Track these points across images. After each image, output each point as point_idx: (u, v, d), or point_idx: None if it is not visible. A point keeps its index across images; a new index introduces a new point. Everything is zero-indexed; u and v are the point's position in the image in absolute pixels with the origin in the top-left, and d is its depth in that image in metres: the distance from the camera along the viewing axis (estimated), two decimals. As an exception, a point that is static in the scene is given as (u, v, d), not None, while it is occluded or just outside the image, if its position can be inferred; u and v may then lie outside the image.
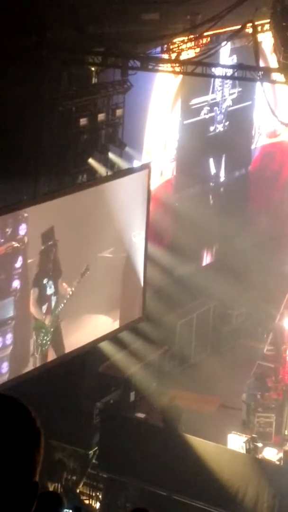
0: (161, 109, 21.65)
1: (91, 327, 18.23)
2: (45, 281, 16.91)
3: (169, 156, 22.53)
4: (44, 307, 17.02)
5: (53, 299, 17.19)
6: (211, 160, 24.75)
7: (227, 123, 24.77)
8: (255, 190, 26.81)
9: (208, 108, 23.93)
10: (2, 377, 16.25)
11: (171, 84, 21.56)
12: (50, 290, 17.05)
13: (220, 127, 24.65)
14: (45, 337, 17.00)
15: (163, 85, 21.24)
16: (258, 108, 25.59)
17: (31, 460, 2.09)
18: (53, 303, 17.18)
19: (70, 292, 17.35)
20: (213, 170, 24.97)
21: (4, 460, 2.04)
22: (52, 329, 17.16)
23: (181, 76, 20.48)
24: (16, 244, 16.04)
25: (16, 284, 16.27)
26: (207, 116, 23.97)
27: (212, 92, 24.07)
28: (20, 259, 16.24)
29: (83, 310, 17.97)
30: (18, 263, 16.22)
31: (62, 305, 17.30)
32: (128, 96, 19.09)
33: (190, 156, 23.21)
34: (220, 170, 25.26)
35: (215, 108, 24.28)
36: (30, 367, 16.81)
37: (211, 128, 24.29)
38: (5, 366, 16.33)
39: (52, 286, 17.04)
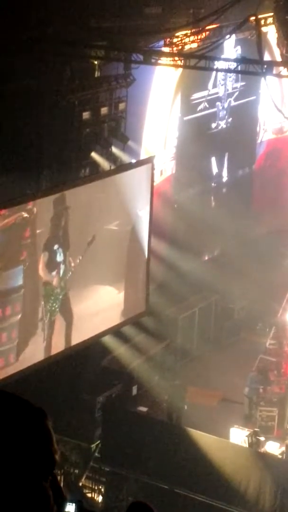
0: (161, 104, 21.06)
1: (98, 297, 18.20)
2: (55, 247, 17.06)
3: (169, 155, 21.78)
4: (54, 273, 17.14)
5: (62, 267, 17.30)
6: (213, 159, 23.90)
7: (230, 120, 23.86)
8: (259, 190, 26.00)
9: (210, 103, 22.98)
10: (12, 343, 16.39)
11: (171, 78, 20.98)
12: (59, 258, 17.21)
13: (222, 124, 23.73)
14: (54, 304, 17.16)
15: (162, 79, 20.65)
16: (263, 103, 24.67)
17: (43, 463, 2.10)
18: (61, 271, 17.30)
19: (78, 261, 17.40)
20: (215, 170, 24.12)
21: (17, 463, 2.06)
22: (60, 296, 17.29)
23: (181, 69, 20.30)
24: (25, 215, 16.10)
25: (25, 253, 16.39)
26: (208, 112, 23.05)
27: (214, 86, 23.16)
28: (29, 229, 16.35)
29: (89, 280, 17.93)
30: (27, 233, 16.34)
31: (70, 273, 17.37)
32: (129, 90, 19.04)
33: (190, 155, 22.28)
34: (222, 170, 24.40)
35: (217, 103, 23.37)
36: (39, 334, 16.95)
37: (213, 125, 23.40)
38: (15, 333, 16.50)
39: (62, 254, 17.24)
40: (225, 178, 24.57)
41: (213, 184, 24.24)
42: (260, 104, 24.91)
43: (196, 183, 22.98)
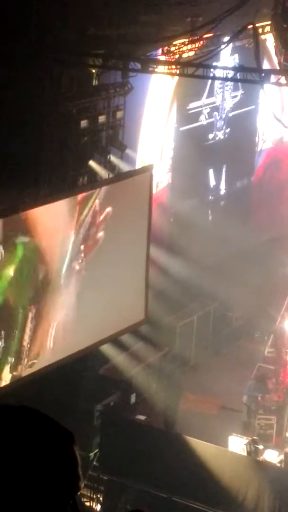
0: (156, 114, 20.60)
1: (96, 305, 18.04)
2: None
3: (165, 167, 21.23)
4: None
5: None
6: (210, 171, 23.32)
7: (228, 130, 23.28)
8: (259, 202, 25.39)
9: (207, 113, 22.46)
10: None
11: (167, 87, 20.58)
12: None
13: (220, 135, 23.15)
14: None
15: (158, 88, 20.28)
16: (262, 112, 24.09)
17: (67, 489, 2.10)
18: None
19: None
20: (212, 182, 23.52)
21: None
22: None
23: (177, 78, 20.19)
24: None
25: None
26: (205, 122, 22.52)
27: (211, 96, 22.61)
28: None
29: (87, 288, 17.77)
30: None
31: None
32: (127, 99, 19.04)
33: (187, 167, 21.69)
34: (220, 182, 23.77)
35: (215, 113, 22.80)
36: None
37: (210, 136, 22.86)
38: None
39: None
40: (223, 190, 23.97)
41: (210, 197, 23.67)
42: (259, 114, 24.36)
43: (193, 196, 22.49)
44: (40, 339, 17.02)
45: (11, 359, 16.32)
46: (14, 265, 15.86)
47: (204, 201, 23.29)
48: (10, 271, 15.82)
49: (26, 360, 16.76)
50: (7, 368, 16.32)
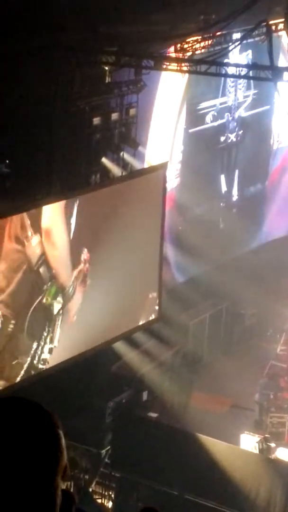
0: (166, 113, 19.96)
1: (109, 303, 17.93)
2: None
3: (173, 171, 20.37)
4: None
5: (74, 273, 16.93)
6: (221, 176, 22.32)
7: (240, 132, 22.25)
8: (274, 208, 24.39)
9: (219, 114, 21.38)
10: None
11: (177, 85, 19.90)
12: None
13: (232, 137, 22.12)
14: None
15: (168, 86, 19.69)
16: (277, 113, 22.93)
17: (50, 467, 2.10)
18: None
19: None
20: (224, 188, 22.50)
21: (24, 466, 2.06)
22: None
23: (187, 77, 19.91)
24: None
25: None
26: (216, 124, 21.47)
27: (223, 95, 21.54)
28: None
29: (101, 286, 17.65)
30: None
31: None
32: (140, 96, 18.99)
33: (197, 171, 20.78)
34: (232, 188, 22.72)
35: (227, 114, 21.76)
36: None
37: (222, 138, 21.84)
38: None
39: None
40: (235, 197, 22.96)
41: (221, 204, 22.71)
42: (274, 114, 23.26)
43: (203, 202, 21.57)
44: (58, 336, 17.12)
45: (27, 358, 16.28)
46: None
47: (215, 207, 22.30)
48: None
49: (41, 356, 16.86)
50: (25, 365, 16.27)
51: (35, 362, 15.14)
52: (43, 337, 16.21)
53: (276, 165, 24.43)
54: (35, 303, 15.35)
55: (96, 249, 17.63)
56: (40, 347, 16.19)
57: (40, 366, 16.43)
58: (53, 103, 17.03)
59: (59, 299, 16.65)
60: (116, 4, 17.22)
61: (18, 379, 14.48)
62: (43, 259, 15.52)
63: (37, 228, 15.38)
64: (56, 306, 16.66)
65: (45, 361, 16.63)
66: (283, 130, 24.05)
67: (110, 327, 18.31)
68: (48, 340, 16.62)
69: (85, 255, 17.42)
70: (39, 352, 15.79)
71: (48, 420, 2.14)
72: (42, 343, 16.44)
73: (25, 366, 14.57)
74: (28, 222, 14.71)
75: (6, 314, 12.73)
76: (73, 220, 16.75)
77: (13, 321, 13.48)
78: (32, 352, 15.67)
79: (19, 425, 2.09)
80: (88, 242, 17.37)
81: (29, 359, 14.95)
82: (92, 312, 17.79)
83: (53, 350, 16.85)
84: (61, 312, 16.94)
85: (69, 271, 17.07)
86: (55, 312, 16.76)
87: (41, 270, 15.15)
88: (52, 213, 16.26)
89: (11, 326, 13.19)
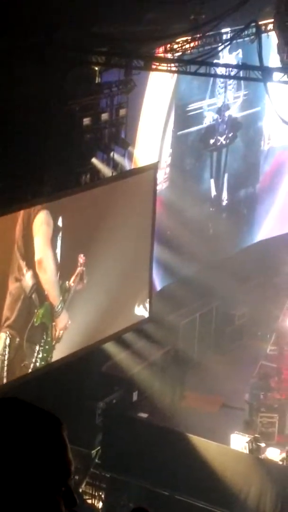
0: (154, 116, 19.67)
1: (100, 303, 18.05)
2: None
3: (162, 175, 19.96)
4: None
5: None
6: (211, 180, 21.89)
7: (230, 134, 21.79)
8: (264, 210, 24.07)
9: (208, 115, 21.03)
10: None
11: (165, 86, 19.61)
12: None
13: (222, 139, 21.65)
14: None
15: (156, 86, 19.39)
16: (268, 115, 22.33)
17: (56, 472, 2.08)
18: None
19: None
20: (213, 191, 22.07)
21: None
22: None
23: (175, 78, 19.81)
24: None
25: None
26: (206, 126, 21.09)
27: (212, 97, 21.09)
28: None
29: (91, 286, 17.72)
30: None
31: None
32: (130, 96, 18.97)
33: (185, 175, 20.54)
34: (222, 191, 22.29)
35: (216, 116, 21.31)
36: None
37: (211, 141, 21.42)
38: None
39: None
40: (225, 200, 22.53)
41: (211, 209, 22.30)
42: (265, 116, 22.80)
43: (192, 205, 21.16)
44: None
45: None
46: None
47: (204, 212, 21.87)
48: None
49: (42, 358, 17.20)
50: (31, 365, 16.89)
51: (37, 364, 17.01)
52: (42, 343, 17.05)
53: (267, 169, 24.04)
54: (31, 322, 16.74)
55: (87, 250, 17.62)
56: (40, 352, 17.02)
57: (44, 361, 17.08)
58: (44, 103, 17.00)
59: (49, 316, 17.10)
60: (107, 4, 17.20)
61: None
62: (36, 287, 16.55)
63: (30, 263, 16.30)
64: (48, 322, 17.10)
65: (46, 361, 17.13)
66: (274, 132, 23.69)
67: (101, 327, 18.30)
68: (46, 346, 17.12)
69: (80, 259, 17.52)
70: (40, 355, 17.08)
71: (54, 423, 2.13)
72: (42, 349, 17.01)
73: (31, 366, 16.79)
74: (23, 263, 16.11)
75: (12, 334, 16.16)
76: (59, 237, 16.85)
77: (18, 338, 16.31)
78: (35, 355, 16.91)
79: (23, 430, 2.07)
80: (81, 246, 17.42)
81: (33, 360, 16.88)
82: (82, 312, 17.78)
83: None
84: (53, 325, 17.22)
85: (58, 288, 17.17)
86: (48, 325, 17.13)
87: (33, 296, 16.59)
88: (42, 243, 16.43)
89: (17, 340, 16.30)
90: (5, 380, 15.96)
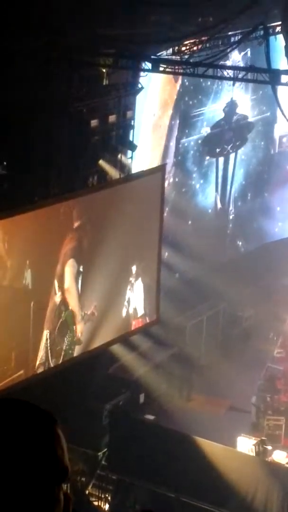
0: (157, 120, 19.39)
1: (108, 304, 18.23)
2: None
3: (165, 183, 19.22)
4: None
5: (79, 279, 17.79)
6: (215, 194, 21.16)
7: (238, 143, 20.97)
8: (272, 213, 23.51)
9: (213, 122, 20.24)
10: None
11: (169, 90, 19.24)
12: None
13: (228, 148, 20.90)
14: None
15: (159, 90, 19.02)
16: (281, 121, 21.24)
17: (51, 471, 2.07)
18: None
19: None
20: (219, 205, 21.39)
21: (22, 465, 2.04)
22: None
23: (180, 83, 19.69)
24: None
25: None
26: (211, 133, 20.28)
27: (218, 101, 20.17)
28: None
29: (99, 287, 17.86)
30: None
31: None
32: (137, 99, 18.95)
33: (188, 186, 20.09)
34: (229, 204, 21.60)
35: (222, 122, 20.50)
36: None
37: (217, 150, 20.71)
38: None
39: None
40: (231, 215, 21.85)
41: (217, 212, 21.48)
42: (277, 122, 21.91)
43: (198, 212, 20.52)
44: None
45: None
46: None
47: (210, 217, 21.14)
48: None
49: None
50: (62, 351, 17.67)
51: (67, 349, 18.00)
52: (66, 337, 17.67)
53: (279, 179, 23.45)
54: (58, 323, 17.49)
55: (96, 252, 17.64)
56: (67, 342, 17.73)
57: (70, 351, 17.78)
58: (51, 105, 17.03)
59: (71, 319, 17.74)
60: (114, 6, 17.23)
61: (60, 360, 17.69)
62: (62, 302, 17.33)
63: (62, 290, 17.23)
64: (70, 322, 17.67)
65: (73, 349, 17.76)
66: (284, 138, 23.09)
67: (108, 329, 18.31)
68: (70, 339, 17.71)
69: (93, 306, 17.95)
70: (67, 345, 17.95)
71: (47, 419, 2.12)
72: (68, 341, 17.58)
73: (62, 352, 17.80)
74: (59, 294, 17.27)
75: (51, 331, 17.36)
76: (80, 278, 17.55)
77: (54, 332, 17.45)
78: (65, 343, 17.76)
79: (18, 427, 2.07)
80: (95, 292, 17.88)
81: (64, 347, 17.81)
82: (89, 313, 17.82)
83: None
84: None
85: (78, 307, 17.63)
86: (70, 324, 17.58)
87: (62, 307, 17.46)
88: (70, 278, 17.21)
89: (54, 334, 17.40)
90: (52, 364, 17.42)
